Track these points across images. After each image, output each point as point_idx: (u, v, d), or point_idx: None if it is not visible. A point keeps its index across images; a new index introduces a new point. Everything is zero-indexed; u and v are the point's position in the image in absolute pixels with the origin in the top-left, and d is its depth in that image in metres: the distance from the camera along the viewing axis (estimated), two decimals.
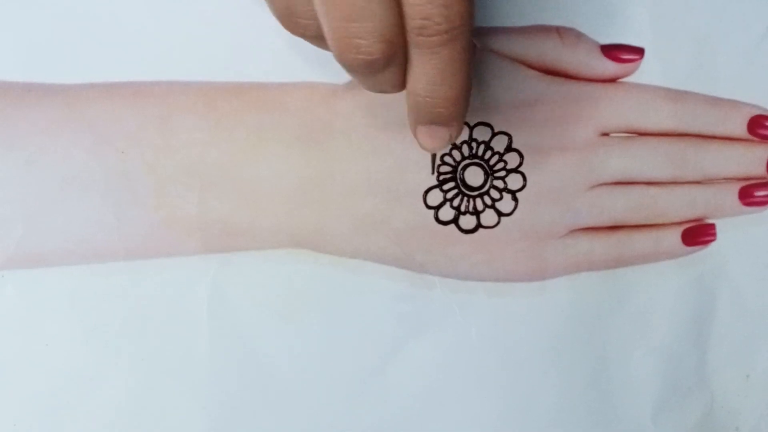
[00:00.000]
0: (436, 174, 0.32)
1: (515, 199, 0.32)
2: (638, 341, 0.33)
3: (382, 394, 0.32)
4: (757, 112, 0.33)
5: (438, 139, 0.27)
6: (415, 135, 0.27)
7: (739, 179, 0.34)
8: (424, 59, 0.24)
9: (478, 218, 0.32)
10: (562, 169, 0.33)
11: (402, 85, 0.25)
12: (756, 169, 0.34)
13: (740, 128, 0.33)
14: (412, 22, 0.23)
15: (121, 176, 0.31)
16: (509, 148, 0.32)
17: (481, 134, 0.32)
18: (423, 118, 0.26)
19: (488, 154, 0.32)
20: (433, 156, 0.32)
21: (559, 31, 0.32)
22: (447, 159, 0.32)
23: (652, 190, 0.33)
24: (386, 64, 0.24)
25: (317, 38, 0.25)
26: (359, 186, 0.32)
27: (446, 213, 0.32)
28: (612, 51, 0.33)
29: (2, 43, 0.31)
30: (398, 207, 0.32)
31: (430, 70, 0.24)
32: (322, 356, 0.32)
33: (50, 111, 0.31)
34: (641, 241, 0.33)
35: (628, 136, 0.33)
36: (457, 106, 0.25)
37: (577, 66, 0.33)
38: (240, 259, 0.32)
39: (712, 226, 0.34)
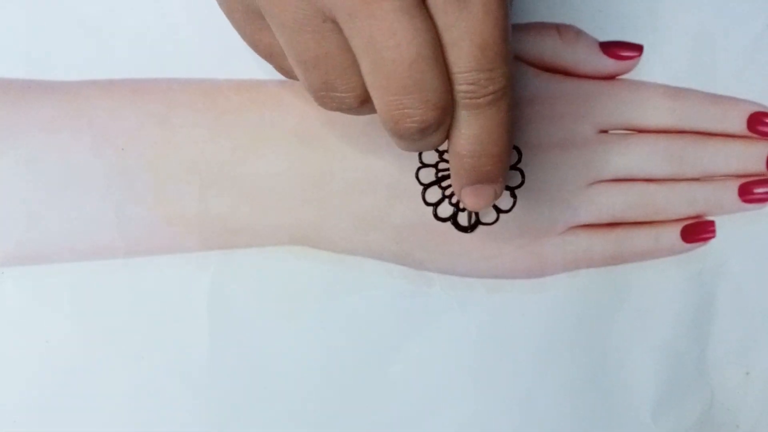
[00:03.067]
0: (435, 172, 0.32)
1: (514, 195, 0.32)
2: (638, 338, 0.33)
3: (381, 391, 0.32)
4: (757, 109, 0.33)
5: (484, 198, 0.27)
6: (461, 197, 0.27)
7: (738, 176, 0.34)
8: (471, 120, 0.24)
9: (476, 215, 0.32)
10: (560, 166, 0.33)
11: (442, 143, 0.26)
12: (755, 166, 0.34)
13: (739, 125, 0.33)
14: (461, 87, 0.24)
15: (121, 173, 0.31)
16: None
17: None
18: (469, 178, 0.26)
19: None
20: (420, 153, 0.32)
21: (558, 29, 0.33)
22: (446, 156, 0.32)
23: (652, 187, 0.33)
24: (437, 129, 0.24)
25: (353, 110, 0.25)
26: (358, 183, 0.32)
27: (445, 210, 0.32)
28: (611, 48, 0.33)
29: (2, 41, 0.31)
30: (397, 204, 0.32)
31: (476, 131, 0.25)
32: (321, 353, 0.32)
33: (50, 108, 0.31)
34: (640, 238, 0.33)
35: (627, 133, 0.33)
36: (502, 162, 0.26)
37: (576, 63, 0.33)
38: (240, 256, 0.32)
39: (712, 223, 0.34)
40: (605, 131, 0.33)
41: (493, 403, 0.33)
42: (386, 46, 0.22)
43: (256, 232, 0.32)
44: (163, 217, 0.31)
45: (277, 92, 0.32)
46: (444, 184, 0.32)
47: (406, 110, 0.23)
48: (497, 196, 0.27)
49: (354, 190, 0.32)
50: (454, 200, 0.32)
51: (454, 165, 0.26)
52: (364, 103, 0.25)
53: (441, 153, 0.32)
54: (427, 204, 0.32)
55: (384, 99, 0.24)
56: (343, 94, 0.25)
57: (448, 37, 0.23)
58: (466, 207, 0.28)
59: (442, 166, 0.32)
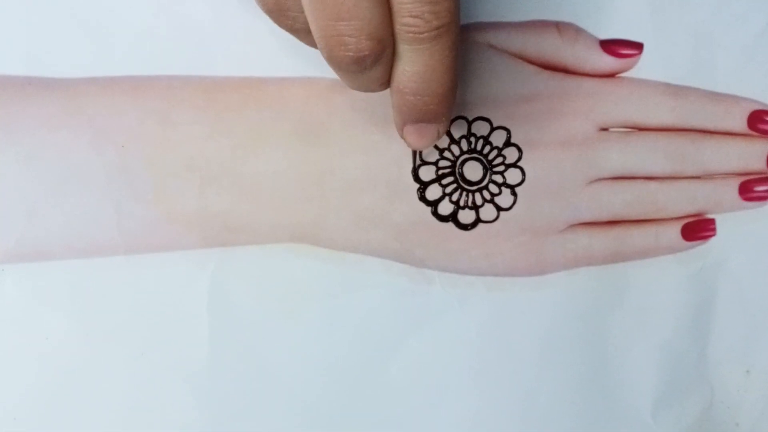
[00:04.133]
0: (435, 169, 0.32)
1: (514, 193, 0.32)
2: (638, 336, 0.33)
3: (381, 389, 0.32)
4: (757, 107, 0.33)
5: (427, 137, 0.27)
6: (402, 135, 0.27)
7: (739, 174, 0.34)
8: (414, 56, 0.24)
9: (477, 213, 0.32)
10: (561, 164, 0.33)
11: (388, 83, 0.25)
12: (756, 164, 0.34)
13: (740, 123, 0.33)
14: (402, 19, 0.23)
15: (121, 171, 0.31)
16: (508, 143, 0.32)
17: (480, 129, 0.32)
18: (411, 116, 0.26)
19: (487, 148, 0.32)
20: (414, 151, 0.32)
21: (558, 26, 0.33)
22: (446, 154, 0.32)
23: (652, 185, 0.33)
24: (374, 62, 0.24)
25: (305, 32, 0.25)
26: (359, 181, 0.32)
27: (445, 208, 0.32)
28: (611, 46, 0.33)
29: (2, 38, 0.31)
30: (397, 202, 0.32)
31: (419, 67, 0.24)
32: (321, 351, 0.32)
33: (50, 105, 0.31)
34: (641, 236, 0.33)
35: (628, 131, 0.33)
36: (446, 102, 0.25)
37: (576, 61, 0.33)
38: (240, 254, 0.32)
39: (712, 221, 0.34)
40: (606, 129, 0.33)
41: (493, 401, 0.33)
42: None
43: (256, 230, 0.32)
44: (163, 215, 0.31)
45: (277, 90, 0.32)
46: (444, 182, 0.32)
47: (341, 38, 0.23)
48: (440, 136, 0.27)
49: (354, 187, 0.32)
50: (454, 198, 0.32)
51: (396, 102, 0.26)
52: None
53: (442, 151, 0.32)
54: (427, 203, 0.32)
55: (318, 24, 0.23)
56: (295, 14, 0.25)
57: None
58: (408, 145, 0.28)
59: (442, 164, 0.32)
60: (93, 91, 0.31)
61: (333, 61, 0.24)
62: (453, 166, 0.32)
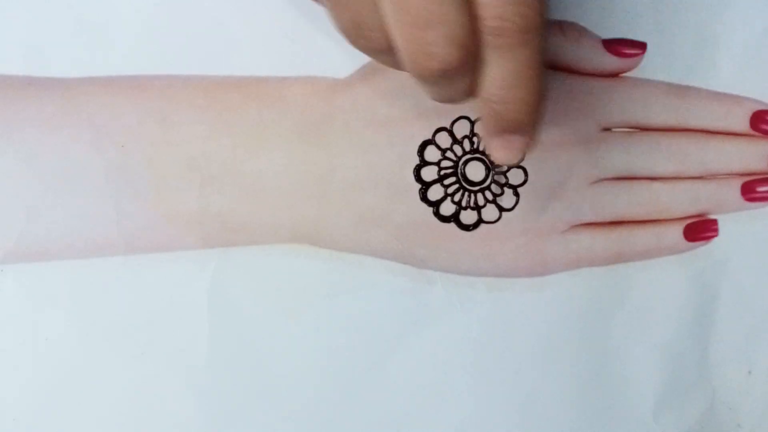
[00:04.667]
0: (437, 169, 0.32)
1: (516, 194, 0.32)
2: (639, 337, 0.33)
3: (382, 389, 0.32)
4: (760, 107, 0.33)
5: (514, 150, 0.25)
6: (489, 149, 0.25)
7: (741, 174, 0.34)
8: (501, 62, 0.23)
9: (479, 213, 0.32)
10: (563, 164, 0.33)
11: (473, 92, 0.24)
12: (758, 165, 0.34)
13: (742, 123, 0.33)
14: (488, 23, 0.22)
15: (121, 170, 0.31)
16: None
17: None
18: (498, 126, 0.24)
19: None
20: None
21: (562, 26, 0.32)
22: (449, 154, 0.32)
23: (654, 186, 0.33)
24: (461, 71, 0.23)
25: (383, 52, 0.24)
26: (360, 181, 0.32)
27: (447, 208, 0.32)
28: (614, 46, 0.32)
29: (1, 37, 0.31)
30: (399, 202, 0.32)
31: (506, 74, 0.23)
32: (322, 351, 0.32)
33: (50, 105, 0.31)
34: (643, 236, 0.33)
35: (630, 131, 0.33)
36: (533, 110, 0.24)
37: (579, 61, 0.32)
38: (240, 254, 0.32)
39: (714, 221, 0.34)
40: (608, 129, 0.33)
41: (494, 402, 0.33)
42: None
43: (256, 230, 0.32)
44: (163, 215, 0.31)
45: (277, 89, 0.31)
46: (447, 182, 0.32)
47: (426, 47, 0.22)
48: (528, 146, 0.25)
49: (355, 187, 0.32)
50: (456, 198, 0.32)
51: (482, 112, 0.24)
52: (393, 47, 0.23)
53: (444, 151, 0.32)
54: (429, 203, 0.32)
55: (402, 34, 0.22)
56: (372, 32, 0.23)
57: None
58: (494, 160, 0.26)
59: (444, 164, 0.32)
60: (93, 91, 0.31)
61: (418, 72, 0.23)
62: (455, 166, 0.32)
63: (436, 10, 0.21)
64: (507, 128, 0.24)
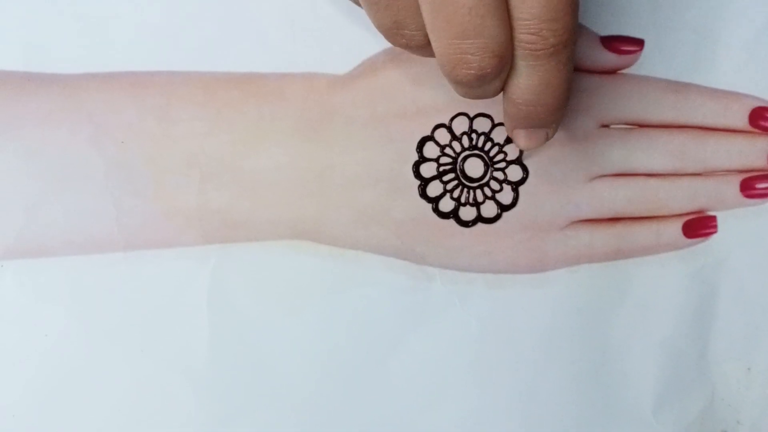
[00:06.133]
0: (436, 166, 0.32)
1: (515, 190, 0.32)
2: (639, 334, 0.33)
3: (382, 386, 0.32)
4: (758, 104, 0.33)
5: (536, 140, 0.28)
6: (511, 136, 0.28)
7: (740, 171, 0.34)
8: (531, 71, 0.24)
9: (478, 210, 0.32)
10: (562, 160, 0.33)
11: (500, 92, 0.26)
12: (757, 161, 0.34)
13: (741, 120, 0.33)
14: (524, 37, 0.23)
15: (120, 167, 0.31)
16: (509, 140, 0.32)
17: (482, 125, 0.32)
18: (522, 123, 0.27)
19: (488, 145, 0.32)
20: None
21: None
22: (447, 150, 0.32)
23: (653, 182, 0.33)
24: (494, 78, 0.24)
25: (421, 48, 0.25)
26: (359, 177, 0.32)
27: (446, 204, 0.32)
28: (612, 42, 0.33)
29: (1, 33, 0.31)
30: (398, 198, 0.32)
31: (536, 82, 0.25)
32: (321, 348, 0.32)
33: (50, 101, 0.31)
34: (642, 233, 0.33)
35: (629, 128, 0.33)
36: (558, 112, 0.26)
37: (577, 58, 0.32)
38: (240, 251, 0.32)
39: (713, 218, 0.34)
40: (607, 126, 0.33)
41: (493, 399, 0.33)
42: None
43: (256, 227, 0.32)
44: (162, 211, 0.31)
45: (277, 86, 0.32)
46: (446, 178, 0.32)
47: (464, 56, 0.23)
48: (549, 138, 0.28)
49: (355, 184, 0.32)
50: (455, 195, 0.32)
51: (509, 108, 0.26)
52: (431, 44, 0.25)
53: (443, 147, 0.32)
54: (428, 200, 0.32)
55: (442, 43, 0.23)
56: (412, 32, 0.25)
57: None
58: (516, 146, 0.29)
59: (443, 160, 0.32)
60: (92, 87, 0.31)
61: (454, 78, 0.24)
62: (454, 162, 0.32)
63: (478, 24, 0.23)
64: (530, 125, 0.27)
